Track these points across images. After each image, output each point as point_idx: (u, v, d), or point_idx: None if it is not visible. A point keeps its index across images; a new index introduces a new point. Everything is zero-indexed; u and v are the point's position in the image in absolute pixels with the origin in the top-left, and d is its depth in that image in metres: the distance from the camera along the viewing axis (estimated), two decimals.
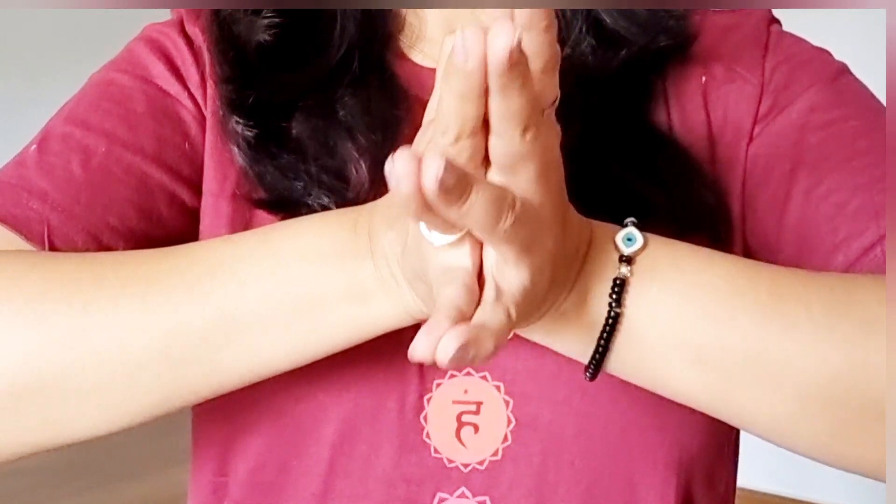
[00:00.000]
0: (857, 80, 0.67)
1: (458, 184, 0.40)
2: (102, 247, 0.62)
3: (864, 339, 0.51)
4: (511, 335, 0.52)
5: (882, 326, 0.51)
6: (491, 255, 0.46)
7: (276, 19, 0.65)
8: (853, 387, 0.51)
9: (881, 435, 0.51)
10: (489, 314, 0.44)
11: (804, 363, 0.51)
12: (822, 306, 0.52)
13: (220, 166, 0.65)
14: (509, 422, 0.61)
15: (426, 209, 0.40)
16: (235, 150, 0.64)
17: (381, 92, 0.64)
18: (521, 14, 0.41)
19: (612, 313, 0.52)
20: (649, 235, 0.53)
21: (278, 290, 0.54)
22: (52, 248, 0.60)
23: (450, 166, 0.39)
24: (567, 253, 0.51)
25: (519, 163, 0.44)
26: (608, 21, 0.65)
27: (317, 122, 0.63)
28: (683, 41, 0.65)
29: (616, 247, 0.53)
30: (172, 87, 0.66)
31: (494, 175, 0.45)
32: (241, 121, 0.63)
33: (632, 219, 0.54)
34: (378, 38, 0.67)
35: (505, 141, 0.43)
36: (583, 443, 0.60)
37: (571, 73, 0.63)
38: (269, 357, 0.55)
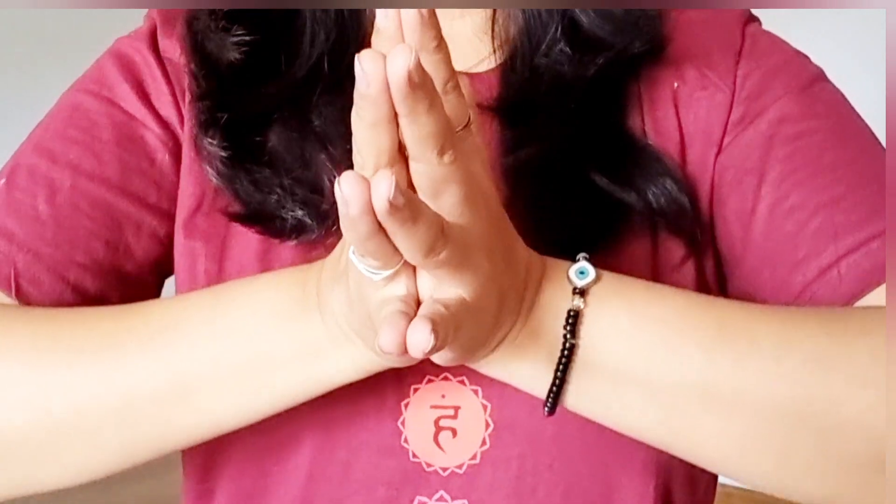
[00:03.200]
0: (830, 87, 0.67)
1: (408, 203, 0.41)
2: (70, 285, 0.63)
3: (811, 375, 0.52)
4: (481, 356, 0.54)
5: (830, 362, 0.52)
6: (426, 280, 0.47)
7: (246, 37, 0.65)
8: (800, 421, 0.52)
9: (827, 468, 0.52)
10: (429, 307, 0.45)
11: (752, 397, 0.52)
12: (771, 341, 0.53)
13: (198, 181, 0.65)
14: (487, 425, 0.61)
15: (374, 233, 0.42)
16: (209, 169, 0.64)
17: None
18: (408, 19, 0.43)
19: (568, 344, 0.53)
20: (601, 270, 0.55)
21: (228, 350, 0.55)
22: (18, 290, 0.61)
23: (401, 186, 0.40)
24: (516, 279, 0.52)
25: (441, 186, 0.45)
26: (584, 22, 0.65)
27: (291, 135, 0.64)
28: (659, 44, 0.66)
29: (569, 279, 0.54)
30: (138, 110, 0.66)
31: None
32: (213, 142, 0.64)
33: (584, 254, 0.55)
34: (353, 41, 0.67)
35: (423, 165, 0.44)
36: (561, 445, 0.60)
37: (548, 79, 0.64)
38: (222, 416, 0.57)
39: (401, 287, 0.47)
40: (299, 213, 0.62)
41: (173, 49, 0.68)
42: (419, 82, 0.41)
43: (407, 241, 0.43)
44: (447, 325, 0.44)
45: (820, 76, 0.67)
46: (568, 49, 0.64)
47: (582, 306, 0.53)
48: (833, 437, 0.52)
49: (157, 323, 0.57)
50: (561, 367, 0.53)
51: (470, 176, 0.47)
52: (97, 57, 0.70)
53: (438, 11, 0.67)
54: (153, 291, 0.68)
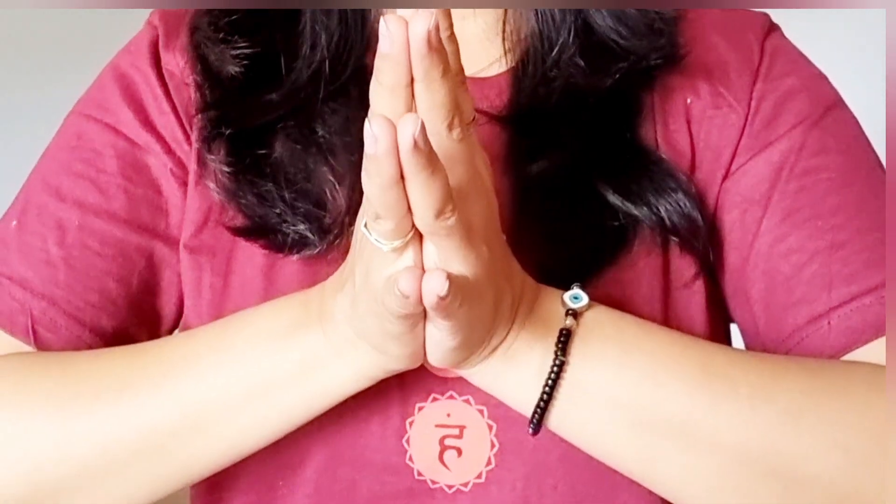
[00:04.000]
0: (844, 116, 0.66)
1: (428, 151, 0.43)
2: (87, 326, 0.64)
3: (783, 427, 0.54)
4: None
5: (803, 418, 0.54)
6: (431, 252, 0.48)
7: (246, 49, 0.64)
8: (768, 471, 0.53)
9: None
10: (434, 268, 0.47)
11: (726, 440, 0.54)
12: (749, 388, 0.54)
13: (204, 196, 0.65)
14: (493, 445, 0.61)
15: (395, 181, 0.44)
16: (212, 184, 0.64)
17: (360, 105, 0.63)
18: (416, 45, 0.45)
19: (558, 361, 0.54)
20: (593, 301, 0.57)
21: (235, 377, 0.56)
22: (37, 338, 0.63)
23: (423, 128, 0.43)
24: (512, 287, 0.53)
25: (448, 164, 0.46)
26: (598, 24, 0.64)
27: (295, 146, 0.63)
28: (675, 54, 0.64)
29: (563, 302, 0.56)
30: (141, 136, 0.66)
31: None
32: (216, 157, 0.63)
33: (576, 284, 0.57)
34: (355, 45, 0.66)
35: (433, 137, 0.45)
36: (566, 467, 0.60)
37: (560, 87, 0.63)
38: (241, 441, 0.58)
39: (408, 258, 0.48)
40: (301, 227, 0.62)
41: (175, 62, 0.67)
42: (436, 46, 0.44)
43: (422, 193, 0.45)
44: (456, 287, 0.46)
45: (835, 104, 0.66)
46: (580, 58, 0.63)
47: (574, 327, 0.55)
48: (797, 491, 0.54)
49: (167, 360, 0.58)
50: (550, 382, 0.54)
51: (473, 163, 0.50)
52: (98, 61, 0.70)
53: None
54: (173, 319, 0.68)
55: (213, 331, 0.59)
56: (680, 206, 0.61)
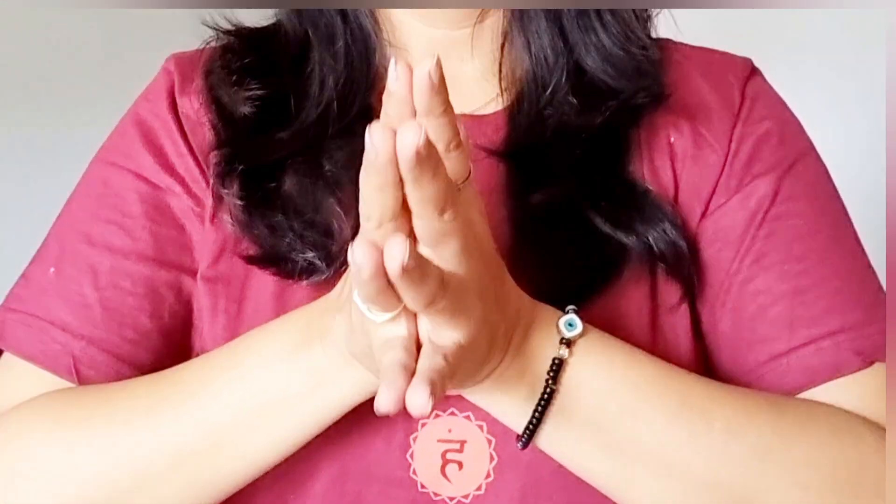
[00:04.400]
0: (816, 164, 0.70)
1: (417, 265, 0.44)
2: (125, 361, 0.68)
3: (751, 464, 0.58)
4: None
5: (770, 456, 0.58)
6: (425, 322, 0.50)
7: (257, 91, 0.68)
8: (733, 501, 0.58)
9: None
10: (430, 360, 0.48)
11: (698, 472, 0.58)
12: (723, 424, 0.58)
13: (221, 228, 0.68)
14: (492, 459, 0.64)
15: (383, 291, 0.45)
16: (226, 217, 0.68)
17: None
18: (419, 85, 0.45)
19: (549, 389, 0.57)
20: (588, 325, 0.59)
21: (246, 396, 0.60)
22: (80, 376, 0.67)
23: (412, 251, 0.43)
24: (506, 320, 0.56)
25: (441, 238, 0.48)
26: (589, 66, 0.68)
27: (304, 180, 0.67)
28: (661, 93, 0.68)
29: (558, 329, 0.59)
30: (163, 179, 0.70)
31: (422, 249, 0.48)
32: (230, 191, 0.67)
33: (572, 307, 0.59)
34: (361, 85, 0.70)
35: (426, 222, 0.47)
36: (561, 481, 0.63)
37: (554, 125, 0.67)
38: (260, 456, 0.62)
39: (401, 328, 0.50)
40: (310, 255, 0.65)
41: (190, 105, 0.70)
42: (425, 156, 0.44)
43: (412, 295, 0.46)
44: (445, 380, 0.47)
45: (807, 151, 0.70)
46: (573, 97, 0.67)
47: (567, 356, 0.58)
48: None
49: (186, 384, 0.62)
50: (540, 408, 0.57)
51: (468, 227, 0.50)
52: (118, 100, 0.74)
53: (446, 54, 0.70)
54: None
55: (225, 353, 0.63)
56: (667, 234, 0.65)
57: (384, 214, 0.46)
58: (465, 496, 0.64)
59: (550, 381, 0.58)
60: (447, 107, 0.47)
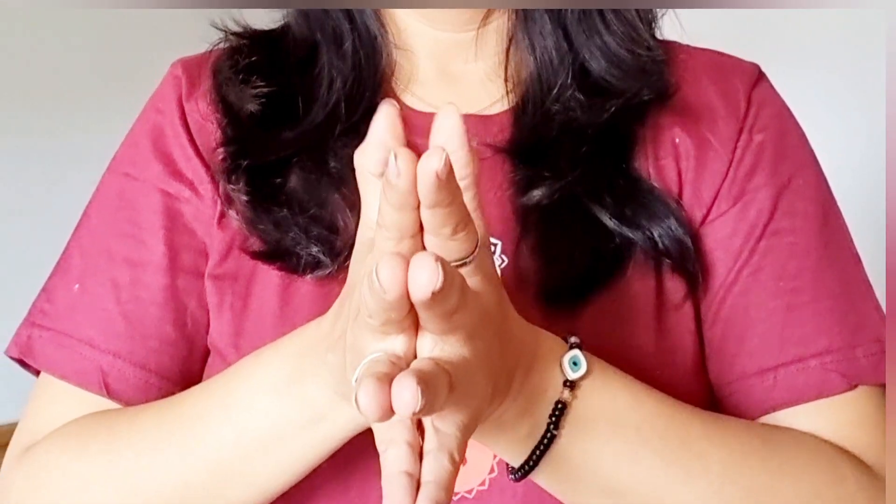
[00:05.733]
0: (816, 177, 0.70)
1: (447, 282, 0.41)
2: (152, 371, 0.69)
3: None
4: None
5: (761, 497, 0.59)
6: (426, 343, 0.47)
7: (264, 88, 0.69)
8: None
9: None
10: (435, 465, 0.45)
11: None
12: (720, 466, 0.59)
13: (228, 226, 0.69)
14: (495, 455, 0.64)
15: (404, 315, 0.43)
16: (233, 213, 0.68)
17: None
18: (424, 181, 0.42)
19: (549, 434, 0.57)
20: (591, 360, 0.58)
21: (244, 429, 0.60)
22: (109, 389, 0.68)
23: (445, 270, 0.41)
24: (507, 359, 0.54)
25: (448, 329, 0.46)
26: (594, 68, 0.69)
27: (309, 176, 0.67)
28: (666, 91, 0.68)
29: (562, 369, 0.57)
30: (172, 186, 0.70)
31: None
32: (236, 187, 0.68)
33: (575, 339, 0.59)
34: (368, 86, 0.70)
35: (439, 240, 0.45)
36: None
37: (559, 123, 0.67)
38: (265, 484, 0.62)
39: (399, 344, 0.47)
40: (314, 249, 0.66)
41: (197, 109, 0.71)
42: (445, 181, 0.42)
43: (430, 316, 0.44)
44: (438, 382, 0.43)
45: (807, 164, 0.70)
46: (579, 94, 0.67)
47: (570, 399, 0.57)
48: None
49: (187, 419, 0.63)
50: (539, 451, 0.57)
51: (476, 308, 0.47)
52: (121, 110, 0.75)
53: (453, 54, 0.71)
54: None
55: (221, 384, 0.63)
56: (671, 230, 0.65)
57: (403, 232, 0.45)
58: (469, 491, 0.65)
59: (552, 427, 0.56)
60: (455, 197, 0.44)
